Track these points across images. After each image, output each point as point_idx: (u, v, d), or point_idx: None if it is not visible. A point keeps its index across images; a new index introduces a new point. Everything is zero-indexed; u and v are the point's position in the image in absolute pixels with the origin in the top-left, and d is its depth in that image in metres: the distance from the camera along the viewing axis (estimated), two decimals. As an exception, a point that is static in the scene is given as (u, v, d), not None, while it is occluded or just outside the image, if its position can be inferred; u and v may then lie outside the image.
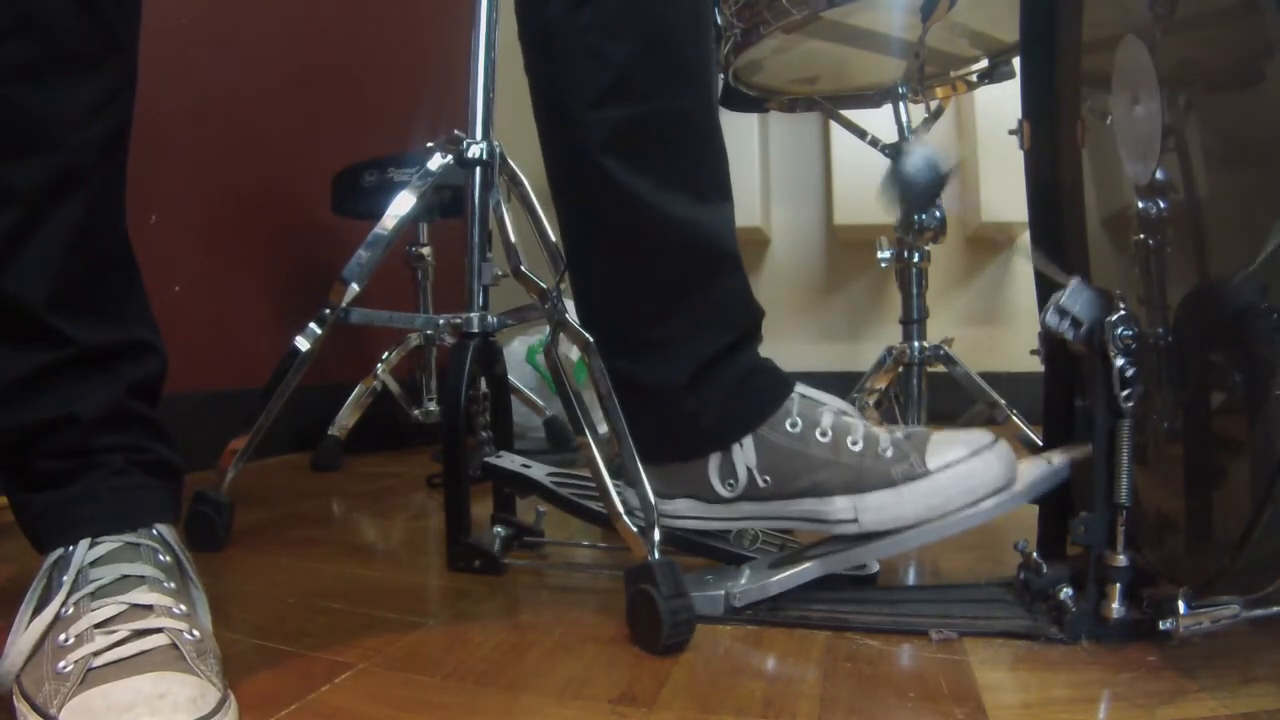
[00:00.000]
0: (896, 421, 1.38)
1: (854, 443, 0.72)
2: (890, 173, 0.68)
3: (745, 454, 0.74)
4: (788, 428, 0.73)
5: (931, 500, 0.69)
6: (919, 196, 0.69)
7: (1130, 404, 0.62)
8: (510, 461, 0.93)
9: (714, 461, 0.75)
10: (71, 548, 0.58)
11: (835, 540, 0.73)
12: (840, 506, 0.71)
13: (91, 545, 0.58)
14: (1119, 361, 0.61)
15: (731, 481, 0.75)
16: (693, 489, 0.77)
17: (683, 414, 0.75)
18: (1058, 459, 0.70)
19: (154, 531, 0.61)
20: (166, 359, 0.69)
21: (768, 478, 0.73)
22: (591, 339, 0.78)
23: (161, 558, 0.60)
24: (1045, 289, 0.84)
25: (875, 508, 0.70)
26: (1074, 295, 0.64)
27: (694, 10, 0.75)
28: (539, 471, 0.90)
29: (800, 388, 0.76)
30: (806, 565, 0.72)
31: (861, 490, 0.70)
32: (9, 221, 0.58)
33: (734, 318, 0.77)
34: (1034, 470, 0.71)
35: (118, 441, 0.64)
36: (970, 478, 0.69)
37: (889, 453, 0.71)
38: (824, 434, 0.73)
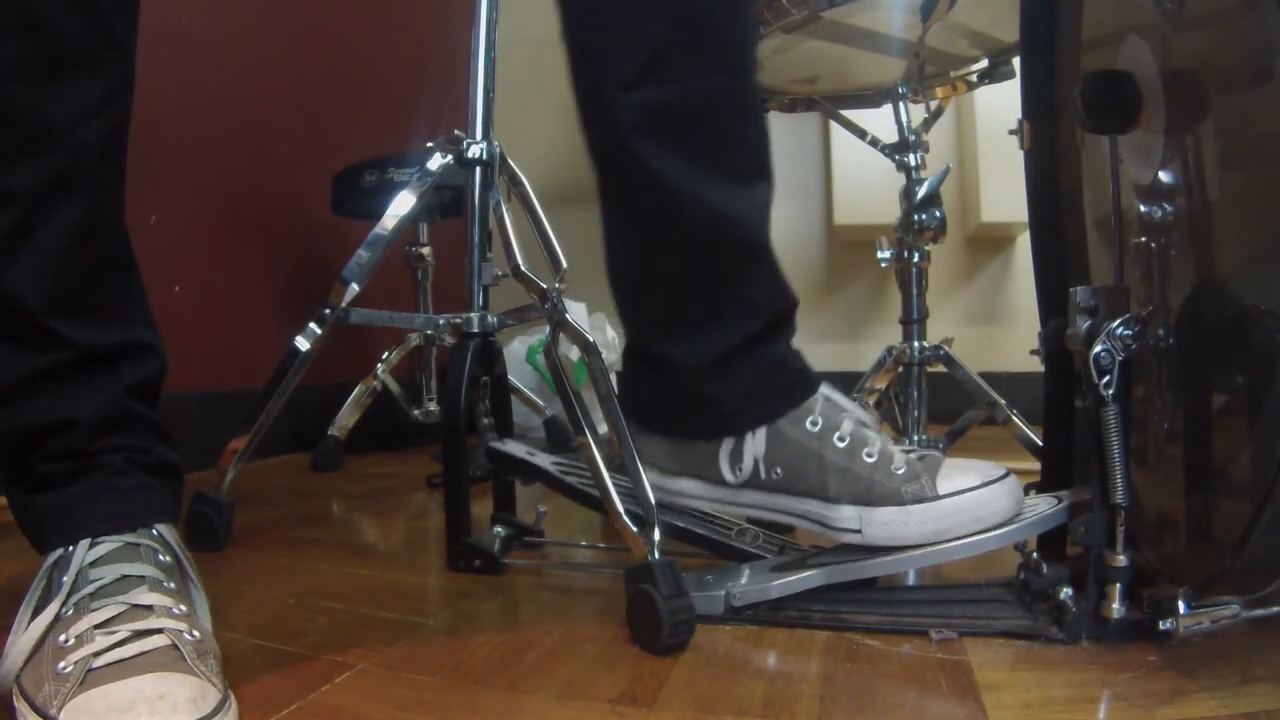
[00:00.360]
0: (897, 422, 1.37)
1: (869, 455, 0.72)
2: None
3: (756, 443, 0.75)
4: (808, 425, 0.74)
5: (937, 525, 0.69)
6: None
7: (1111, 390, 0.62)
8: (515, 448, 0.92)
9: (726, 445, 0.76)
10: (71, 548, 0.58)
11: (840, 550, 0.73)
12: (847, 515, 0.71)
13: (91, 545, 0.58)
14: (1097, 349, 0.62)
15: (739, 468, 0.75)
16: (700, 470, 0.77)
17: (704, 396, 0.75)
18: (1069, 498, 0.70)
19: (154, 532, 0.61)
20: (166, 359, 0.69)
21: (779, 469, 0.74)
22: (619, 315, 0.79)
23: (162, 558, 0.60)
24: (1046, 288, 0.84)
25: (881, 523, 0.70)
26: (1113, 294, 0.64)
27: None
28: (544, 459, 0.90)
29: (826, 390, 0.77)
30: (810, 573, 0.72)
31: (870, 504, 0.71)
32: (7, 223, 0.58)
33: (763, 305, 0.77)
34: (1043, 505, 0.71)
35: (118, 443, 0.64)
36: (978, 507, 0.69)
37: (901, 471, 0.71)
38: (842, 439, 0.73)
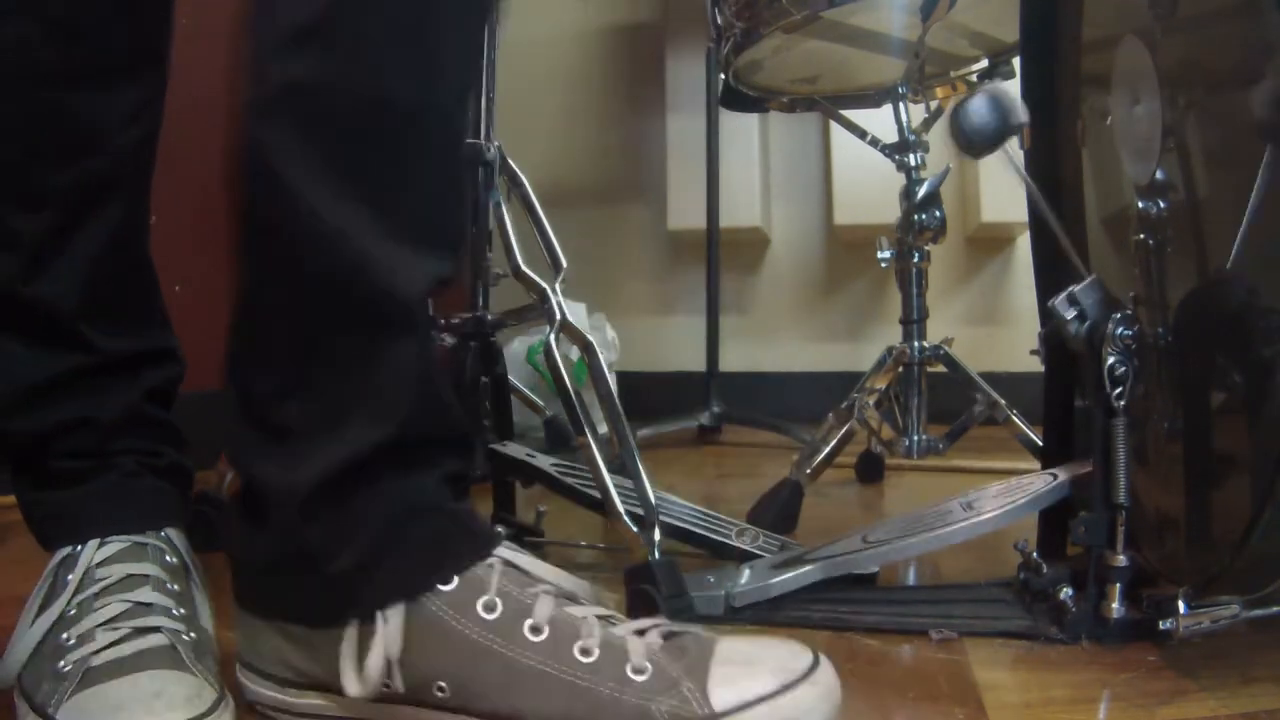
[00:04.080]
0: (896, 422, 1.37)
1: (584, 651, 0.46)
2: (953, 119, 0.65)
3: (389, 634, 0.47)
4: (480, 611, 0.47)
5: None
6: (981, 146, 0.65)
7: (1123, 402, 0.61)
8: (515, 450, 0.92)
9: (350, 635, 0.48)
10: (79, 547, 0.58)
11: (839, 543, 0.73)
12: None
13: (100, 545, 0.58)
14: (1110, 359, 0.61)
15: (365, 676, 0.47)
16: (329, 678, 0.49)
17: (298, 544, 0.49)
18: (1062, 474, 0.70)
19: (162, 534, 0.61)
20: (185, 363, 0.69)
21: (441, 684, 0.47)
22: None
23: (168, 559, 0.60)
24: (1046, 288, 0.84)
25: None
26: (1088, 290, 0.64)
27: None
28: (543, 461, 0.90)
29: (507, 551, 0.51)
30: (808, 568, 0.72)
31: None
32: (46, 225, 0.58)
33: (393, 405, 0.50)
34: (1038, 483, 0.70)
35: (132, 445, 0.63)
36: None
37: (643, 677, 0.45)
38: (536, 630, 0.47)
